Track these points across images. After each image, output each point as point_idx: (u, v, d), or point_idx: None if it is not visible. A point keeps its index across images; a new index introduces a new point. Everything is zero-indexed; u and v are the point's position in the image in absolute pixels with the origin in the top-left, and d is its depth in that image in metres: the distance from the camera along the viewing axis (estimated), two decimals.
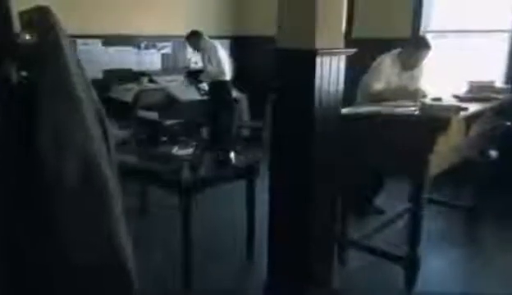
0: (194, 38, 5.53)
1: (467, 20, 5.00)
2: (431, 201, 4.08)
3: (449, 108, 2.69)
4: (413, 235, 2.87)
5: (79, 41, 5.22)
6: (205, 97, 5.67)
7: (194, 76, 5.68)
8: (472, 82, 3.52)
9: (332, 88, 2.49)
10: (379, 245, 3.34)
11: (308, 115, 2.39)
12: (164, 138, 3.23)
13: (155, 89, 5.39)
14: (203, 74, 5.62)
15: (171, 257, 3.03)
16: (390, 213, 4.05)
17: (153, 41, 5.92)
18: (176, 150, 2.97)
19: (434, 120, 2.62)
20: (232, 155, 3.01)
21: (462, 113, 2.76)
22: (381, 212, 4.24)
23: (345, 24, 5.86)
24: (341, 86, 2.57)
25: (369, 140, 2.91)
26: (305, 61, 2.31)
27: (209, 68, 5.47)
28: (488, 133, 3.81)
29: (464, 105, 3.03)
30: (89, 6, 5.17)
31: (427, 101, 2.97)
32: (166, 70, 6.07)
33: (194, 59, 6.47)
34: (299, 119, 2.44)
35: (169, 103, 5.29)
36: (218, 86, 5.54)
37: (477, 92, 3.40)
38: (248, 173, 3.04)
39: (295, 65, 2.38)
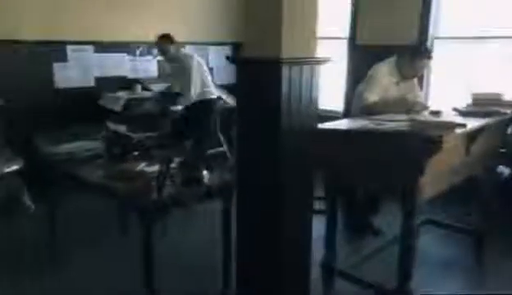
0: (164, 42, 4.99)
1: (479, 25, 4.64)
2: (430, 222, 3.77)
3: (441, 125, 2.37)
4: (405, 267, 2.56)
5: (69, 47, 5.03)
6: None
7: (168, 99, 5.06)
8: (476, 94, 3.19)
9: (305, 99, 2.28)
10: (370, 273, 3.04)
11: (274, 127, 2.19)
12: (135, 153, 2.98)
13: (147, 98, 5.16)
14: (181, 98, 4.98)
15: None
16: (388, 234, 3.74)
17: (149, 47, 5.70)
18: (142, 166, 2.71)
19: (424, 138, 2.31)
20: (205, 173, 2.76)
21: (458, 130, 2.43)
22: (378, 233, 3.93)
23: (349, 29, 5.65)
24: (316, 96, 2.38)
25: (356, 158, 2.62)
26: (270, 70, 2.09)
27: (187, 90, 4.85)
28: (497, 150, 3.48)
29: (463, 120, 2.73)
30: (81, 10, 4.98)
31: (418, 116, 2.67)
32: (162, 77, 5.85)
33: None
34: (264, 132, 2.25)
35: (161, 112, 5.06)
36: (196, 109, 5.03)
37: (482, 105, 3.07)
38: (222, 193, 2.77)
39: (260, 75, 2.18)
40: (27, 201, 4.18)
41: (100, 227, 3.87)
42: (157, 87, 5.55)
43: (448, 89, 4.86)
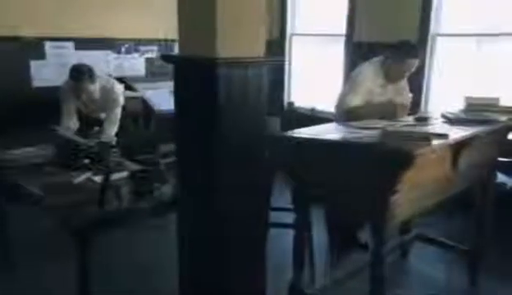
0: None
1: (485, 21, 4.25)
2: (422, 238, 3.43)
3: (416, 137, 2.03)
4: None
5: (48, 44, 4.80)
6: None
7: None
8: (469, 98, 2.84)
9: (253, 101, 2.01)
10: None
11: (210, 129, 1.95)
12: (86, 161, 2.71)
13: (130, 98, 4.89)
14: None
15: None
16: None
17: (135, 44, 5.44)
18: (85, 177, 2.44)
19: (395, 152, 1.98)
20: (157, 185, 2.48)
21: (437, 142, 2.09)
22: (365, 247, 3.59)
23: (346, 26, 5.30)
24: (264, 99, 2.09)
25: (322, 171, 2.31)
26: (205, 70, 1.83)
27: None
28: (495, 160, 3.11)
29: (450, 129, 2.40)
30: (60, 5, 4.74)
31: (395, 124, 2.35)
32: (150, 76, 5.59)
33: None
34: (200, 134, 2.01)
35: (143, 113, 4.80)
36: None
37: (476, 111, 2.72)
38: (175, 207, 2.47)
39: (195, 75, 1.92)
40: None
41: (35, 246, 3.39)
42: (144, 86, 5.29)
43: (450, 90, 4.49)
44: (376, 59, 3.13)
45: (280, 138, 2.57)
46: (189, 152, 2.06)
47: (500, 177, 3.72)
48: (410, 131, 2.12)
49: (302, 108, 5.98)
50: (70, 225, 2.15)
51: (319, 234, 3.59)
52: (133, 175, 2.51)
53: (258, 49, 1.89)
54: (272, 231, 3.12)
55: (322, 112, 5.53)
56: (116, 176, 2.53)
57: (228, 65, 1.78)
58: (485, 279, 3.12)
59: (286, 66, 6.21)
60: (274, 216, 3.04)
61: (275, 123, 5.56)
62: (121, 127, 3.91)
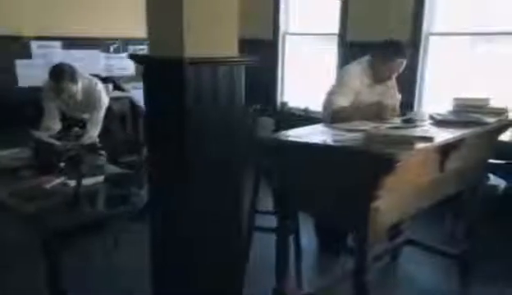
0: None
1: (480, 20, 4.16)
2: (410, 242, 3.34)
3: (399, 140, 1.95)
4: None
5: (34, 43, 4.70)
6: None
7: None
8: (458, 99, 2.75)
9: (224, 102, 1.94)
10: None
11: (180, 128, 1.88)
12: (61, 165, 2.63)
13: (117, 98, 4.79)
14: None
15: None
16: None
17: (124, 44, 5.34)
18: (58, 181, 2.35)
19: (377, 156, 1.90)
20: (134, 190, 2.39)
21: (421, 145, 2.01)
22: (352, 252, 3.50)
23: (339, 25, 5.21)
24: (240, 100, 2.02)
25: (302, 176, 2.23)
26: (173, 70, 1.77)
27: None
28: (486, 162, 3.03)
29: (437, 131, 2.31)
30: (47, 4, 4.65)
31: (379, 126, 2.26)
32: (140, 75, 5.48)
33: None
34: (170, 134, 1.95)
35: (131, 113, 4.71)
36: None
37: (464, 112, 2.63)
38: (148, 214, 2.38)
39: (163, 75, 1.88)
40: None
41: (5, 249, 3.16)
42: (134, 85, 5.21)
43: (444, 90, 4.40)
44: (363, 59, 3.04)
45: (263, 140, 2.49)
46: (159, 152, 1.98)
47: (493, 179, 3.64)
48: (394, 134, 2.03)
49: (295, 108, 5.90)
50: (38, 233, 2.07)
51: (310, 238, 3.53)
52: (109, 179, 2.42)
53: (230, 49, 1.81)
54: (262, 235, 3.05)
55: (315, 112, 5.44)
56: (91, 180, 2.44)
57: (196, 65, 1.71)
58: (476, 283, 3.03)
59: (279, 66, 6.12)
60: (269, 220, 2.94)
61: (269, 123, 5.49)
62: (105, 128, 3.81)
